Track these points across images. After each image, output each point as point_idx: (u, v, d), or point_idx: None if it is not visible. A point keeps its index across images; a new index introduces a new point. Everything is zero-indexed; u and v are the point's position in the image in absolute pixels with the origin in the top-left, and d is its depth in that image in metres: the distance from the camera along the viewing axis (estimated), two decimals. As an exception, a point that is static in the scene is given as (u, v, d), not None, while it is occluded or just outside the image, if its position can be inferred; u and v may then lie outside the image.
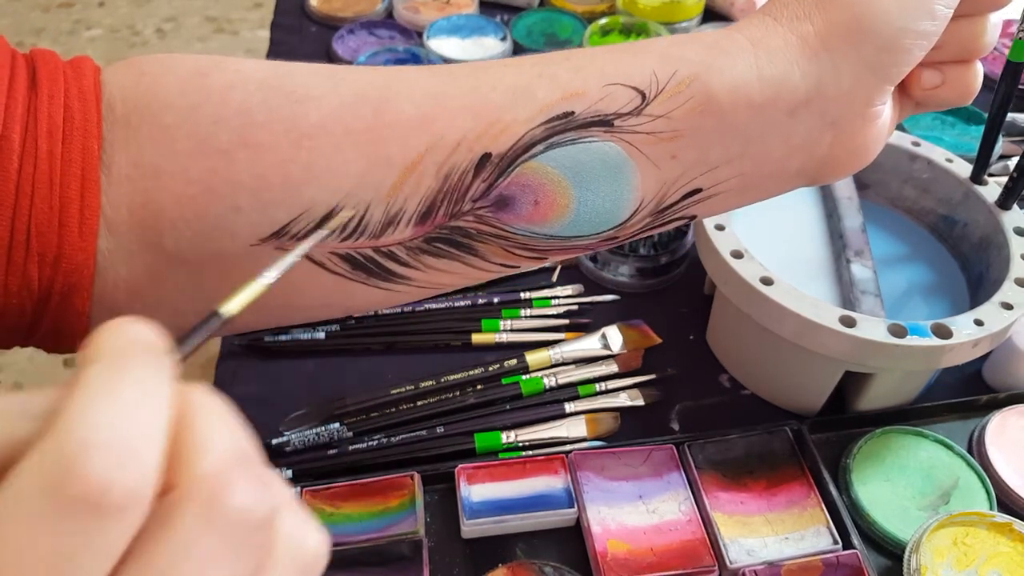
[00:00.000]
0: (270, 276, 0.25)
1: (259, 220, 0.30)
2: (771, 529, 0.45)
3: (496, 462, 0.47)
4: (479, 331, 0.56)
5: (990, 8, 0.33)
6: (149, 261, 0.31)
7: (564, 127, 0.31)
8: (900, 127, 0.68)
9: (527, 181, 0.31)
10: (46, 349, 0.33)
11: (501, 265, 0.34)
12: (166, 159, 0.30)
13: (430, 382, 0.52)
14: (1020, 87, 0.49)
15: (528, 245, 0.33)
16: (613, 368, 0.54)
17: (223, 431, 0.18)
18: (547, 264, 0.35)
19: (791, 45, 0.31)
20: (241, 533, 0.17)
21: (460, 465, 0.47)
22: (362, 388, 0.52)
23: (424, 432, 0.49)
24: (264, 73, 0.32)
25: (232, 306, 0.23)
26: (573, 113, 0.31)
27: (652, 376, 0.54)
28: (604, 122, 0.31)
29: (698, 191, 0.33)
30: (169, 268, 0.31)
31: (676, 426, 0.52)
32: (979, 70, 0.34)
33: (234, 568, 0.17)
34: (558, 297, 0.58)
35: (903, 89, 0.34)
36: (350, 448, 0.49)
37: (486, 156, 0.31)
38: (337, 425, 0.50)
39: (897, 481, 0.48)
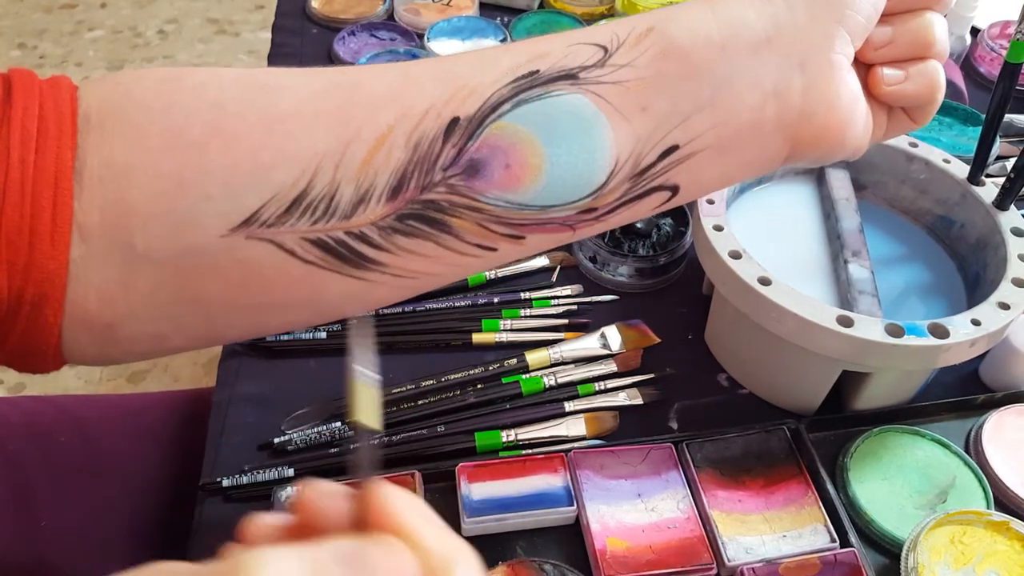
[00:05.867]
0: (365, 369, 0.25)
1: (229, 208, 0.30)
2: (769, 527, 0.45)
3: (496, 460, 0.48)
4: (479, 331, 0.56)
5: (928, 5, 0.34)
6: (119, 265, 0.31)
7: (530, 84, 0.31)
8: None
9: (497, 142, 0.31)
10: (15, 367, 0.33)
11: (478, 246, 0.33)
12: (138, 156, 0.30)
13: (431, 381, 0.52)
14: (1018, 88, 0.49)
15: (503, 218, 0.32)
16: (612, 367, 0.54)
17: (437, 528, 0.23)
18: (527, 252, 0.35)
19: None
20: None
21: (460, 464, 0.47)
22: (363, 387, 0.52)
23: (425, 431, 0.50)
24: (237, 72, 0.33)
25: (364, 416, 0.24)
26: (538, 71, 0.32)
27: (651, 375, 0.54)
28: (569, 75, 0.32)
29: (675, 148, 0.33)
30: (139, 271, 0.31)
31: (675, 425, 0.52)
32: (939, 66, 0.35)
33: None
34: (558, 297, 0.59)
35: (870, 91, 0.36)
36: (352, 447, 0.49)
37: (454, 120, 0.31)
38: (338, 424, 0.50)
39: (894, 480, 0.48)
